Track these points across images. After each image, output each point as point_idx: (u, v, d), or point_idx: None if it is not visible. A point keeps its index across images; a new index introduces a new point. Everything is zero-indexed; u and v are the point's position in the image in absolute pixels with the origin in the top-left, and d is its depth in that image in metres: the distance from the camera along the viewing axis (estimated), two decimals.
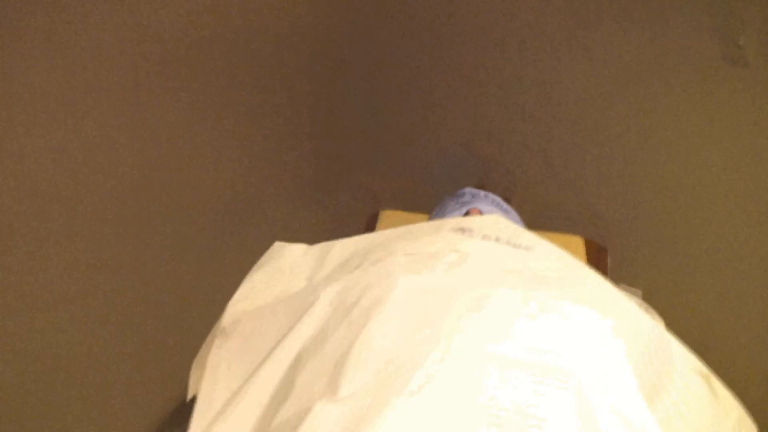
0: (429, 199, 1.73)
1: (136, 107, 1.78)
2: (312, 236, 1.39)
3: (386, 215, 1.87)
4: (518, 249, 1.22)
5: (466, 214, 1.47)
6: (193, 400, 1.15)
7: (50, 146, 1.65)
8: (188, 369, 1.22)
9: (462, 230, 1.25)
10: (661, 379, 1.04)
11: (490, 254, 1.14)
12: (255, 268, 1.34)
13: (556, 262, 1.17)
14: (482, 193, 1.55)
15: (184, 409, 1.17)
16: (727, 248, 1.82)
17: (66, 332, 1.76)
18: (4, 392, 1.66)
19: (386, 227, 1.76)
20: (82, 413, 1.81)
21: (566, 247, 1.73)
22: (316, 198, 2.25)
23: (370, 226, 1.85)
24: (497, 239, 1.25)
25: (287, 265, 1.30)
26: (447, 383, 0.88)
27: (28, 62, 1.57)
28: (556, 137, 2.16)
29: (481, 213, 1.47)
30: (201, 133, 1.96)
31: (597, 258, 1.75)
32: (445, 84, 2.33)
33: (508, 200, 1.61)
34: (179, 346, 1.45)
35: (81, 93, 1.69)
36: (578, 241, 1.79)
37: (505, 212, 1.52)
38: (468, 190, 1.58)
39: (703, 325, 1.91)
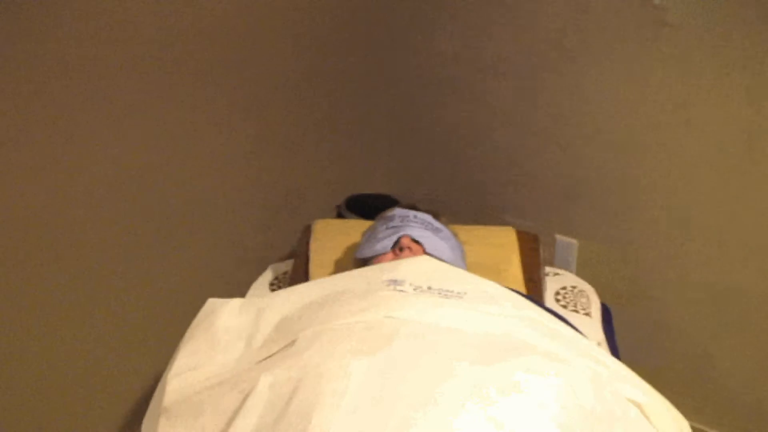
0: None
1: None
2: None
3: (320, 224, 1.86)
4: (450, 298, 1.24)
5: (397, 242, 1.47)
6: None
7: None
8: None
9: (394, 282, 1.26)
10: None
11: (420, 325, 1.15)
12: (190, 330, 1.34)
13: (485, 320, 1.18)
14: (411, 214, 1.55)
15: None
16: (659, 201, 1.88)
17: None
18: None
19: (321, 235, 1.77)
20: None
21: (500, 238, 1.78)
22: None
23: (305, 235, 1.84)
24: (429, 288, 1.26)
25: (222, 329, 1.30)
26: None
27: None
28: (490, 125, 2.16)
29: (411, 239, 1.48)
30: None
31: (529, 245, 1.79)
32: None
33: (437, 215, 1.61)
34: None
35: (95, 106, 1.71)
36: (510, 232, 1.82)
37: (435, 231, 1.53)
38: (398, 212, 1.57)
39: (634, 267, 2.01)
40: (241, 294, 1.82)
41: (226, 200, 2.17)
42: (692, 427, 1.97)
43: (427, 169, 2.37)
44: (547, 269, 1.87)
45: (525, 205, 2.19)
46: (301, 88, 2.30)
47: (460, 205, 2.34)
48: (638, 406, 1.16)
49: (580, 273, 2.12)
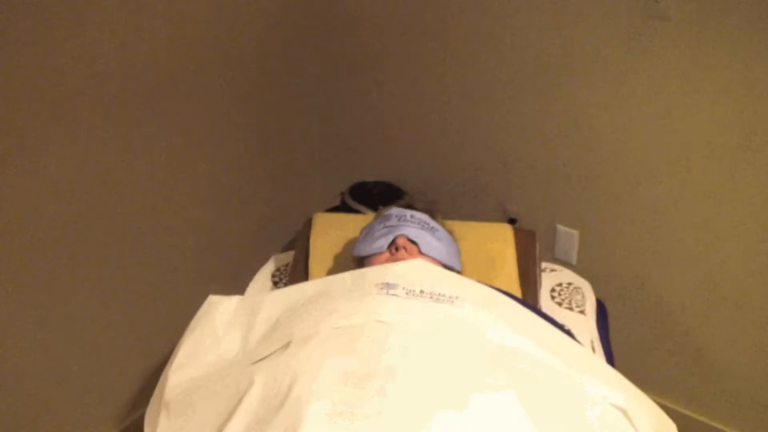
0: None
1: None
2: None
3: (320, 218, 1.89)
4: (441, 303, 1.27)
5: (393, 242, 1.50)
6: None
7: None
8: None
9: (387, 286, 1.29)
10: None
11: (410, 330, 1.19)
12: (190, 327, 1.39)
13: (473, 329, 1.22)
14: (408, 213, 1.57)
15: None
16: (651, 194, 1.90)
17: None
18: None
19: (321, 229, 1.80)
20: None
21: (496, 235, 1.80)
22: None
23: (306, 228, 1.87)
24: (421, 292, 1.29)
25: (221, 327, 1.35)
26: None
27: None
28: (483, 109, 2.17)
29: (407, 239, 1.50)
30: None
31: (525, 242, 1.81)
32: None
33: (433, 214, 1.63)
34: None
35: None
36: (507, 229, 1.84)
37: (431, 231, 1.55)
38: (394, 211, 1.59)
39: (634, 257, 2.03)
40: (245, 283, 1.86)
41: (231, 190, 2.20)
42: (688, 417, 2.03)
43: (429, 158, 2.39)
44: (544, 265, 1.89)
45: (526, 195, 2.20)
46: (299, 80, 2.32)
47: (460, 195, 2.36)
48: (622, 411, 1.20)
49: (581, 263, 2.15)
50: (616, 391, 1.22)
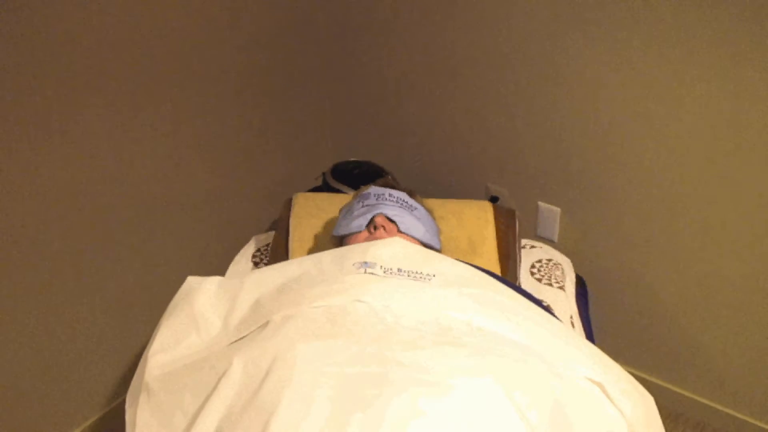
0: None
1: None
2: None
3: (300, 198, 1.88)
4: (419, 281, 1.27)
5: (371, 221, 1.50)
6: None
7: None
8: None
9: (365, 265, 1.29)
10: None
11: (385, 313, 1.19)
12: (170, 308, 1.38)
13: (449, 308, 1.22)
14: (387, 192, 1.57)
15: None
16: (632, 171, 1.90)
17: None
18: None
19: (301, 209, 1.80)
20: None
21: (476, 214, 1.80)
22: None
23: (286, 208, 1.87)
24: (399, 270, 1.29)
25: (200, 308, 1.34)
26: None
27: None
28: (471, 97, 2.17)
29: (385, 218, 1.50)
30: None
31: (506, 220, 1.81)
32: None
33: (412, 193, 1.63)
34: None
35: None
36: (487, 207, 1.84)
37: (410, 209, 1.55)
38: (373, 190, 1.59)
39: (614, 236, 2.04)
40: (225, 264, 1.86)
41: (211, 171, 2.19)
42: (667, 389, 2.05)
43: (411, 137, 2.38)
44: (524, 242, 1.89)
45: (508, 172, 2.21)
46: (283, 63, 2.30)
47: (443, 174, 2.36)
48: (599, 385, 1.20)
49: (563, 240, 2.16)
50: (594, 365, 1.23)
